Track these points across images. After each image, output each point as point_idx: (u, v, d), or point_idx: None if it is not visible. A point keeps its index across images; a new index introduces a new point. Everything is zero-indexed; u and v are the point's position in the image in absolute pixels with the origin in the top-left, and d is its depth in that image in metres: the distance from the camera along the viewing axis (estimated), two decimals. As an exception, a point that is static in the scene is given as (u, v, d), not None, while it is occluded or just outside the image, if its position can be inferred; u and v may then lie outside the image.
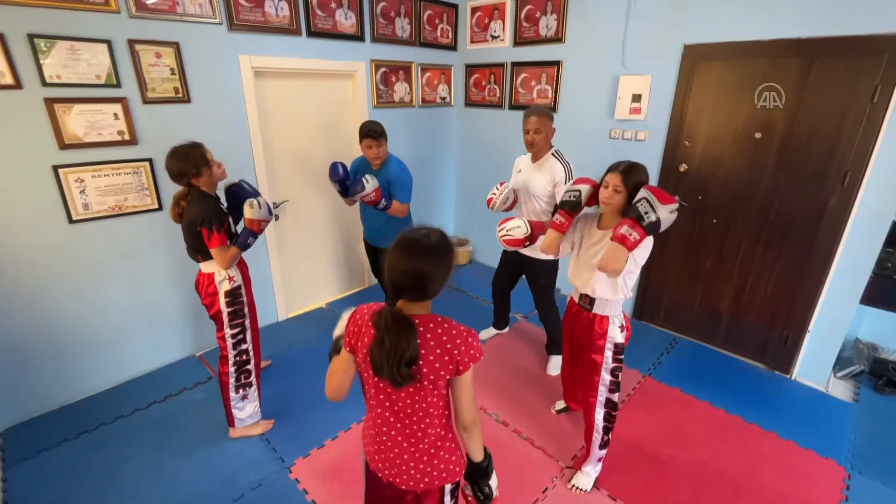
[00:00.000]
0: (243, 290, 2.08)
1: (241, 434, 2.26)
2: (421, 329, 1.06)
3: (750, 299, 2.85)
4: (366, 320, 1.11)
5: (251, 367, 2.16)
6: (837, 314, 2.56)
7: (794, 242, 2.61)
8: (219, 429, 2.31)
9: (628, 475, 2.07)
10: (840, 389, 2.66)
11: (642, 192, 1.49)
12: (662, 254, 3.14)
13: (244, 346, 2.11)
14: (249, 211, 1.98)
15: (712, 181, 2.82)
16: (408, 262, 1.02)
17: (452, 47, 3.94)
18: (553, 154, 2.40)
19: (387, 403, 1.14)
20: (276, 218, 3.11)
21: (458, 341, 1.07)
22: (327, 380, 1.21)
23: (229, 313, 2.04)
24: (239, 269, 2.09)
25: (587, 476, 2.01)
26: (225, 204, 2.09)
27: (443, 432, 1.18)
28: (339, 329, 1.25)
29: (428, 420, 1.12)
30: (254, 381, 2.20)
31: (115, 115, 2.30)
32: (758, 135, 2.59)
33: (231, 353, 2.09)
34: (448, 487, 1.24)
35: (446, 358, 1.06)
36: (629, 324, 1.84)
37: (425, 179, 4.09)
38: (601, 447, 1.94)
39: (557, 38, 3.29)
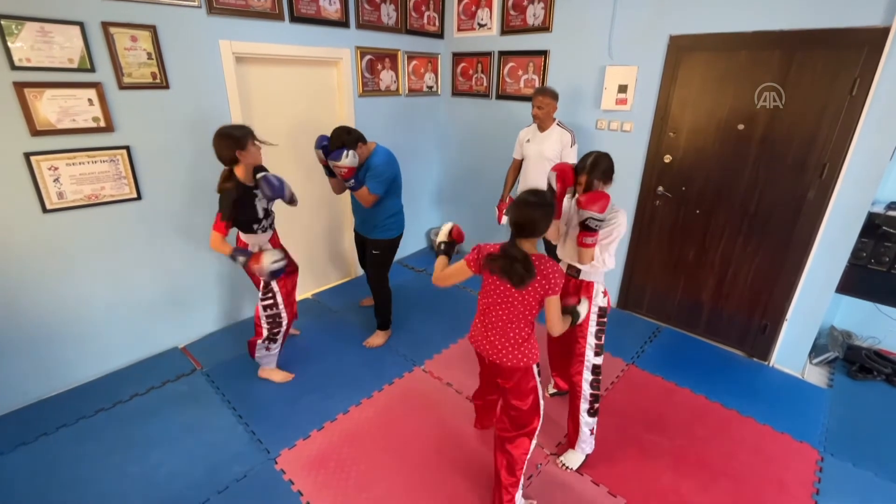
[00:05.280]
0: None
1: (265, 375, 2.58)
2: (532, 258, 1.53)
3: (730, 289, 2.91)
4: (484, 255, 1.61)
5: (281, 329, 2.44)
6: (814, 303, 2.63)
7: (773, 233, 2.67)
8: (204, 421, 2.29)
9: (611, 461, 2.11)
10: (815, 376, 2.75)
11: (585, 213, 1.72)
12: (647, 244, 3.18)
13: (275, 311, 2.39)
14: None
15: (695, 172, 2.86)
16: (519, 213, 1.52)
17: (439, 35, 3.89)
18: (558, 124, 2.92)
19: (498, 300, 1.63)
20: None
21: (552, 273, 1.53)
22: (442, 276, 1.75)
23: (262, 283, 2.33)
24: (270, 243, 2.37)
25: (579, 453, 2.07)
26: (259, 193, 2.23)
27: (528, 332, 1.64)
28: (441, 236, 1.86)
29: (519, 317, 1.61)
30: (279, 340, 2.48)
31: (90, 100, 2.22)
32: (740, 126, 2.62)
33: (263, 316, 2.38)
34: (535, 367, 1.70)
35: (543, 280, 1.54)
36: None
37: (411, 169, 4.06)
38: (590, 415, 1.99)
39: (544, 28, 3.28)
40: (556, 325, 1.64)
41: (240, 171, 2.14)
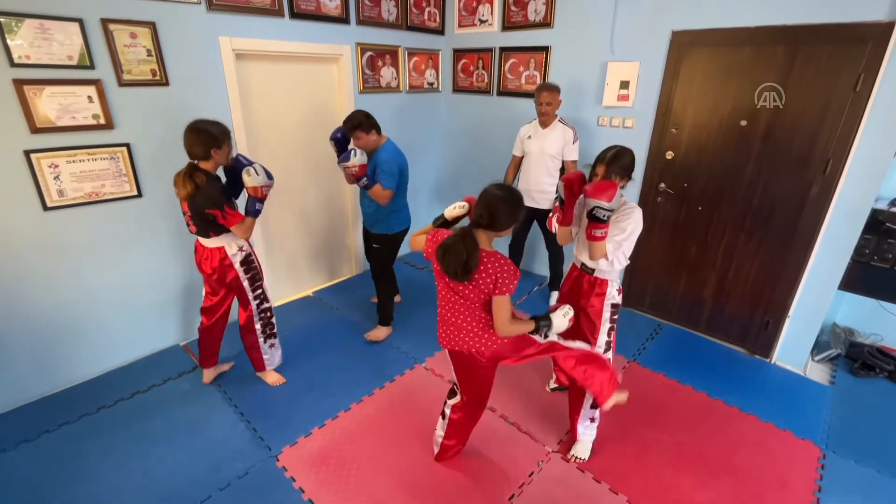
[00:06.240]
0: (254, 256, 2.26)
1: (261, 375, 2.54)
2: (481, 252, 1.51)
3: (733, 286, 2.90)
4: (440, 239, 1.58)
5: (275, 320, 2.43)
6: (816, 300, 2.62)
7: (776, 229, 2.65)
8: (205, 419, 2.29)
9: (613, 459, 2.11)
10: (817, 373, 2.74)
11: (591, 202, 1.64)
12: (648, 241, 3.17)
13: (267, 305, 2.35)
14: (248, 179, 2.05)
15: (698, 169, 2.84)
16: (482, 205, 1.50)
17: (440, 31, 3.87)
18: (560, 121, 2.97)
19: (447, 293, 1.64)
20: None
21: (502, 271, 1.51)
22: (415, 239, 1.73)
23: (248, 279, 2.23)
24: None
25: (586, 443, 2.10)
26: (224, 179, 2.17)
27: (484, 321, 1.62)
28: (448, 212, 1.75)
29: (470, 308, 1.60)
30: (277, 332, 2.46)
31: (90, 97, 2.21)
32: (743, 122, 2.60)
33: (256, 312, 2.32)
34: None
35: (489, 279, 1.52)
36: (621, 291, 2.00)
37: (412, 166, 4.01)
38: (593, 406, 2.01)
39: (546, 23, 3.26)
40: (501, 326, 1.56)
41: (208, 167, 2.02)
